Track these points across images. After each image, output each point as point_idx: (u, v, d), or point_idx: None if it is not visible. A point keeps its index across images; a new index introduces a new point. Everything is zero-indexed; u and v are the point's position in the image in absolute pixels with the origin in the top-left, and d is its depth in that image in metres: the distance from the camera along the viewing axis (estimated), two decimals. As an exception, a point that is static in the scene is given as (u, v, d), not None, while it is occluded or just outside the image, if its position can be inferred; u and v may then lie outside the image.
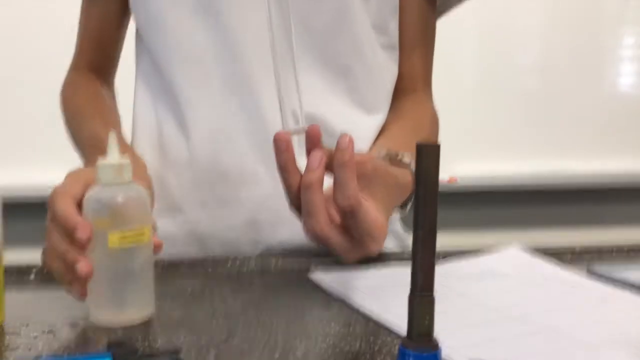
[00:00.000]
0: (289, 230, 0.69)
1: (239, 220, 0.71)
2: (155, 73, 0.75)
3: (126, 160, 0.49)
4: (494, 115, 2.44)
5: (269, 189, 0.70)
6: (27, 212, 2.17)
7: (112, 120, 0.76)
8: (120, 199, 0.48)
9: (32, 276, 0.63)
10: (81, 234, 0.46)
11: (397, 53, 0.79)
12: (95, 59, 0.82)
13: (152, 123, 0.75)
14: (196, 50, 0.71)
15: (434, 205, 0.33)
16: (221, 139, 0.71)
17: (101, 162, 0.49)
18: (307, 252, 0.67)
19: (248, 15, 0.70)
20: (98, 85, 0.81)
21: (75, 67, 0.83)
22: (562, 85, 2.47)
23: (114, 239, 0.47)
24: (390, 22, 0.77)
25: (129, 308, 0.49)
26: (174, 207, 0.73)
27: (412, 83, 0.81)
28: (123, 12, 0.80)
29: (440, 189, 0.33)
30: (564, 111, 2.48)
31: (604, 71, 2.53)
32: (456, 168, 2.33)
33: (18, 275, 0.63)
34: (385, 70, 0.78)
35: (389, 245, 0.78)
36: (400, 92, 0.80)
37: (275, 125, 0.70)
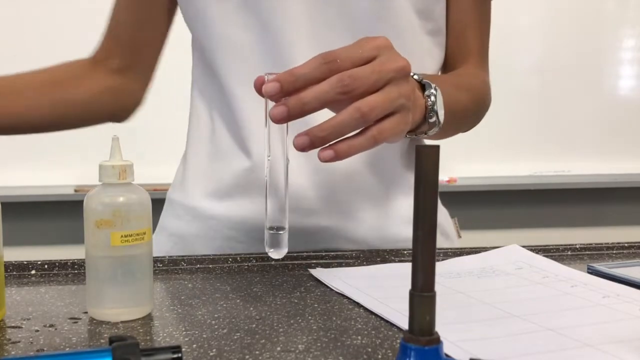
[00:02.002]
0: (325, 217, 0.71)
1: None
2: (206, 68, 0.76)
3: (129, 162, 0.50)
4: (494, 116, 2.44)
5: (307, 180, 0.71)
6: (25, 212, 2.17)
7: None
8: (122, 199, 0.49)
9: (32, 272, 0.63)
10: None
11: (443, 38, 0.78)
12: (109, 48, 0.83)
13: (205, 118, 0.77)
14: (241, 47, 0.71)
15: (433, 205, 0.33)
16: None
17: (104, 162, 0.49)
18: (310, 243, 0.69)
19: (288, 10, 0.70)
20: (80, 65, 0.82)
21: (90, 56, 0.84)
22: (561, 87, 2.47)
23: (116, 238, 0.48)
24: (435, 7, 0.76)
25: (128, 305, 0.49)
26: (223, 193, 0.74)
27: (463, 59, 0.79)
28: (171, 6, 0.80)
29: (440, 189, 0.33)
30: (564, 112, 2.48)
31: (603, 73, 2.53)
32: (456, 169, 2.33)
33: (19, 271, 0.63)
34: (428, 56, 0.77)
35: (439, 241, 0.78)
36: (448, 70, 0.79)
37: (318, 120, 0.70)
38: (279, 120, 0.50)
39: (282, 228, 0.55)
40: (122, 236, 0.48)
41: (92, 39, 0.84)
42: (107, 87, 0.83)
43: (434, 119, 0.59)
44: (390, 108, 0.52)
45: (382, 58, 0.52)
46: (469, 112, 0.74)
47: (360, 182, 0.73)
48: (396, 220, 0.75)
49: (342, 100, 0.50)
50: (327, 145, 0.51)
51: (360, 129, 0.52)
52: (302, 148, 0.50)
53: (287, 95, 0.50)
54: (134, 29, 0.82)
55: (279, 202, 0.54)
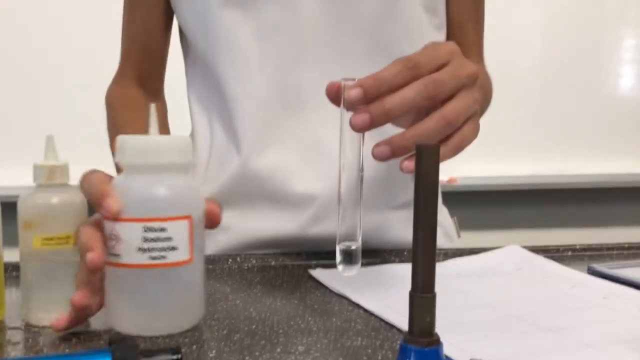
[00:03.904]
0: (332, 224, 0.70)
1: (282, 215, 0.71)
2: (204, 72, 0.74)
3: (62, 162, 0.48)
4: (494, 116, 2.44)
5: (313, 186, 0.70)
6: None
7: None
8: (51, 200, 0.47)
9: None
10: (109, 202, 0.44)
11: (445, 33, 0.78)
12: (143, 67, 0.80)
13: (205, 125, 0.76)
14: (244, 50, 0.70)
15: (433, 205, 0.33)
16: (266, 135, 0.71)
17: (37, 163, 0.47)
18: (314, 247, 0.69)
19: (297, 12, 0.69)
20: (144, 102, 0.79)
21: (121, 77, 0.81)
22: (562, 86, 2.47)
23: (37, 240, 0.47)
24: (439, 2, 0.76)
25: (51, 311, 0.47)
26: (223, 202, 0.73)
27: (464, 54, 0.80)
28: (167, 13, 0.78)
29: (440, 189, 0.33)
30: (564, 112, 2.48)
31: (603, 73, 2.53)
32: (456, 168, 2.33)
33: (19, 271, 0.63)
34: None
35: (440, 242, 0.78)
36: None
37: (319, 122, 0.70)
38: (362, 128, 0.48)
39: (355, 242, 0.53)
40: (43, 239, 0.46)
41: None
42: (164, 114, 0.82)
43: (479, 126, 0.57)
44: (468, 114, 0.51)
45: (455, 63, 0.51)
46: (483, 110, 0.74)
47: (368, 186, 0.73)
48: (404, 223, 0.75)
49: (425, 106, 0.49)
50: (409, 155, 0.49)
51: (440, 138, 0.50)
52: (382, 158, 0.49)
53: (370, 102, 0.48)
54: (155, 39, 0.80)
55: (351, 214, 0.52)
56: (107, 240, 0.44)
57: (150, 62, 0.81)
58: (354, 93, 0.48)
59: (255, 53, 0.70)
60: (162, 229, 0.43)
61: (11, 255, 0.61)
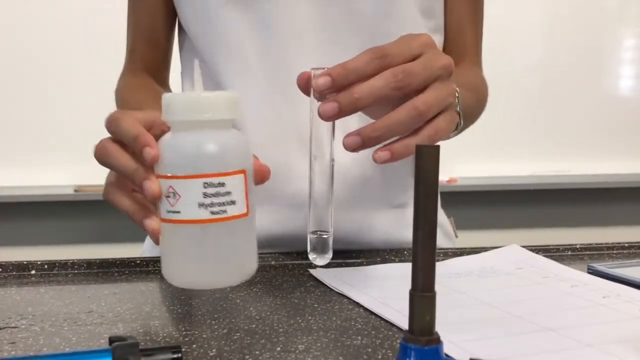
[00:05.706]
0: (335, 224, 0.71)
1: (283, 214, 0.71)
2: (202, 68, 0.74)
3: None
4: (494, 116, 2.43)
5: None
6: (25, 212, 2.17)
7: None
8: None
9: (32, 272, 0.63)
10: (149, 151, 0.44)
11: (442, 36, 0.78)
12: (150, 57, 0.80)
13: None
14: (242, 47, 0.70)
15: (433, 206, 0.33)
16: (267, 133, 0.71)
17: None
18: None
19: (293, 10, 0.69)
20: (156, 86, 0.79)
21: (129, 69, 0.81)
22: (562, 87, 2.47)
23: None
24: (436, 5, 0.76)
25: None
26: None
27: (460, 56, 0.78)
28: (171, 4, 0.78)
29: (440, 189, 0.33)
30: (564, 112, 2.48)
31: (603, 73, 2.53)
32: (456, 169, 2.33)
33: (19, 271, 0.63)
34: None
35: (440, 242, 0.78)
36: None
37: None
38: (329, 117, 0.48)
39: (326, 231, 0.53)
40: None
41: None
42: None
43: (457, 120, 0.57)
44: (442, 106, 0.51)
45: (429, 54, 0.51)
46: (475, 112, 0.74)
47: (370, 188, 0.73)
48: (405, 225, 0.75)
49: (394, 96, 0.49)
50: (381, 145, 0.49)
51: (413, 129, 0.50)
52: (353, 149, 0.49)
53: (338, 91, 0.48)
54: (161, 29, 0.80)
55: (323, 205, 0.52)
56: (163, 198, 0.44)
57: (157, 53, 0.81)
58: (321, 81, 0.48)
59: (254, 51, 0.70)
60: (221, 184, 0.43)
61: (10, 255, 0.61)
